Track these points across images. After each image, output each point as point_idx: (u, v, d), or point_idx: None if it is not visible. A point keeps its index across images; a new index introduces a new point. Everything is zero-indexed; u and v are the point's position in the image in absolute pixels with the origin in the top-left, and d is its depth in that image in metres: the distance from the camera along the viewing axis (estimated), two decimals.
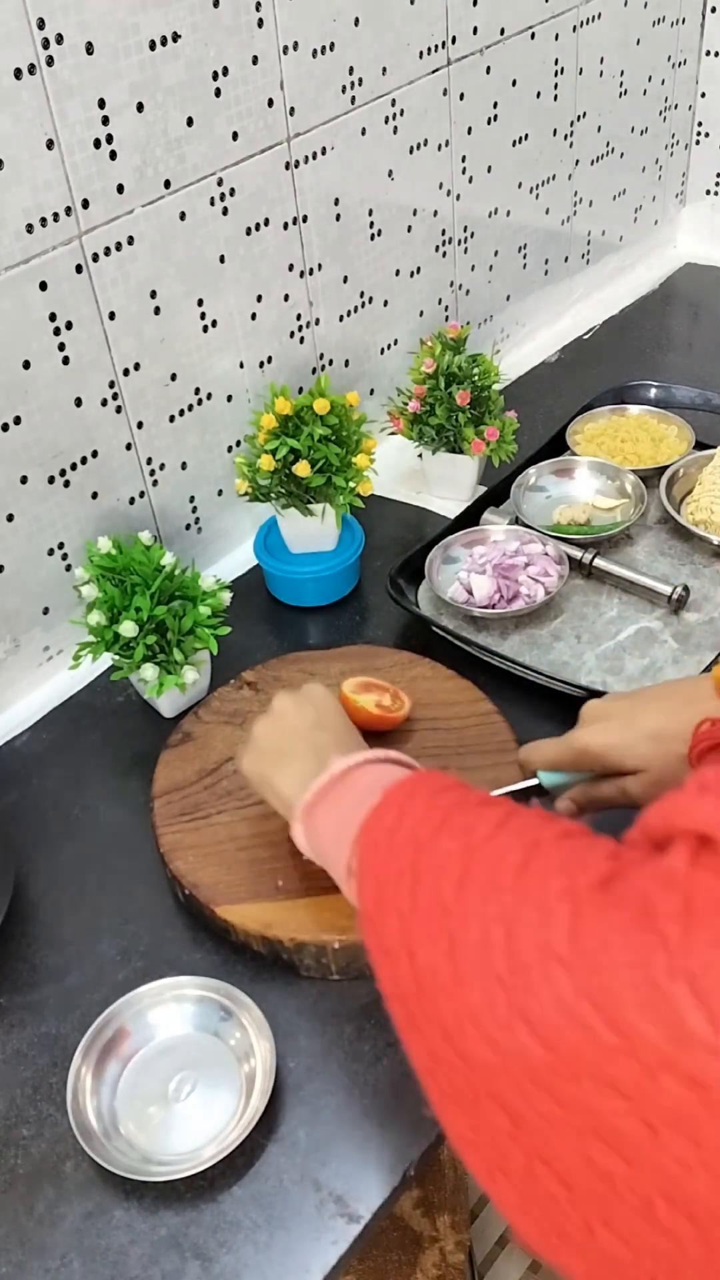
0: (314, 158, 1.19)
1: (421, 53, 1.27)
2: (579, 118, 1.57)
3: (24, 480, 1.05)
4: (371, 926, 0.59)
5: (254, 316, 1.20)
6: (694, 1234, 0.46)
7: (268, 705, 0.84)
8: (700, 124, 1.82)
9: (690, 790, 0.49)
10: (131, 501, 1.16)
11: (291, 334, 1.27)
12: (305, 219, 1.21)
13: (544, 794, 0.82)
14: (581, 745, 0.79)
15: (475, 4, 1.31)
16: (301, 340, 1.28)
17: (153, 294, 1.08)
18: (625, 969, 0.46)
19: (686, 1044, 0.43)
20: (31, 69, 0.91)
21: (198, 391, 1.18)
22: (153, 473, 1.17)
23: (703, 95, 1.79)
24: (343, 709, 0.83)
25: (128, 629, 0.99)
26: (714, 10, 1.70)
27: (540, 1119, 0.49)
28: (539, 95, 1.47)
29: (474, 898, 0.54)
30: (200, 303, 1.14)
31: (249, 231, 1.15)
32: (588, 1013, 0.46)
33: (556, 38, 1.46)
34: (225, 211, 1.12)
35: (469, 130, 1.39)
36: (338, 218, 1.25)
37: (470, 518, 1.25)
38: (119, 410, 1.10)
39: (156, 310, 1.09)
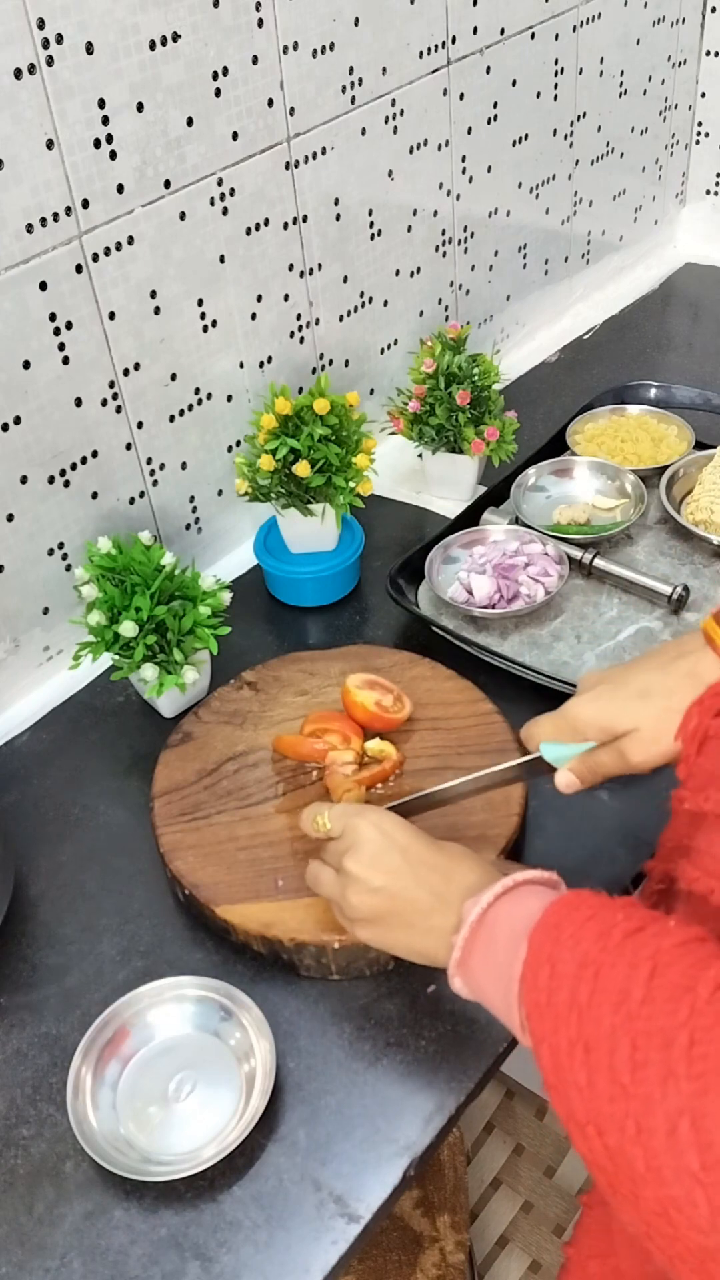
0: (314, 158, 1.19)
1: (421, 53, 1.27)
2: (579, 118, 1.57)
3: (24, 480, 1.05)
4: (556, 1096, 0.58)
5: (254, 316, 1.21)
6: None
7: (341, 868, 0.77)
8: (700, 124, 1.82)
9: None
10: (131, 501, 1.16)
11: (291, 334, 1.27)
12: (305, 219, 1.21)
13: (547, 767, 0.83)
14: (575, 713, 0.80)
15: (475, 4, 1.31)
16: (301, 340, 1.28)
17: (153, 294, 1.08)
18: None
19: None
20: (31, 69, 0.91)
21: (198, 391, 1.18)
22: (153, 473, 1.17)
23: (703, 95, 1.79)
24: (402, 824, 0.78)
25: (128, 629, 0.99)
26: (714, 10, 1.70)
27: None
28: (539, 95, 1.47)
29: (651, 1081, 0.52)
30: (200, 303, 1.14)
31: (249, 231, 1.16)
32: None
33: (556, 38, 1.46)
34: (225, 211, 1.12)
35: (469, 130, 1.39)
36: (338, 218, 1.25)
37: (470, 518, 1.25)
38: (119, 410, 1.10)
39: (156, 310, 1.09)
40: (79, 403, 1.06)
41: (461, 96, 1.35)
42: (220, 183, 1.10)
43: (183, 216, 1.08)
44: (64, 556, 1.12)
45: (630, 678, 0.79)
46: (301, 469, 1.11)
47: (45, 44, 0.91)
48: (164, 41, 0.99)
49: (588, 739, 0.79)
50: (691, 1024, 0.52)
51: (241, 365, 1.22)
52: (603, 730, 0.78)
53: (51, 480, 1.07)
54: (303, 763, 0.98)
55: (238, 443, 1.25)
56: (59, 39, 0.91)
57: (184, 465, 1.20)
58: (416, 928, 0.73)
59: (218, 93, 1.06)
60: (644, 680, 0.78)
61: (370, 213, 1.30)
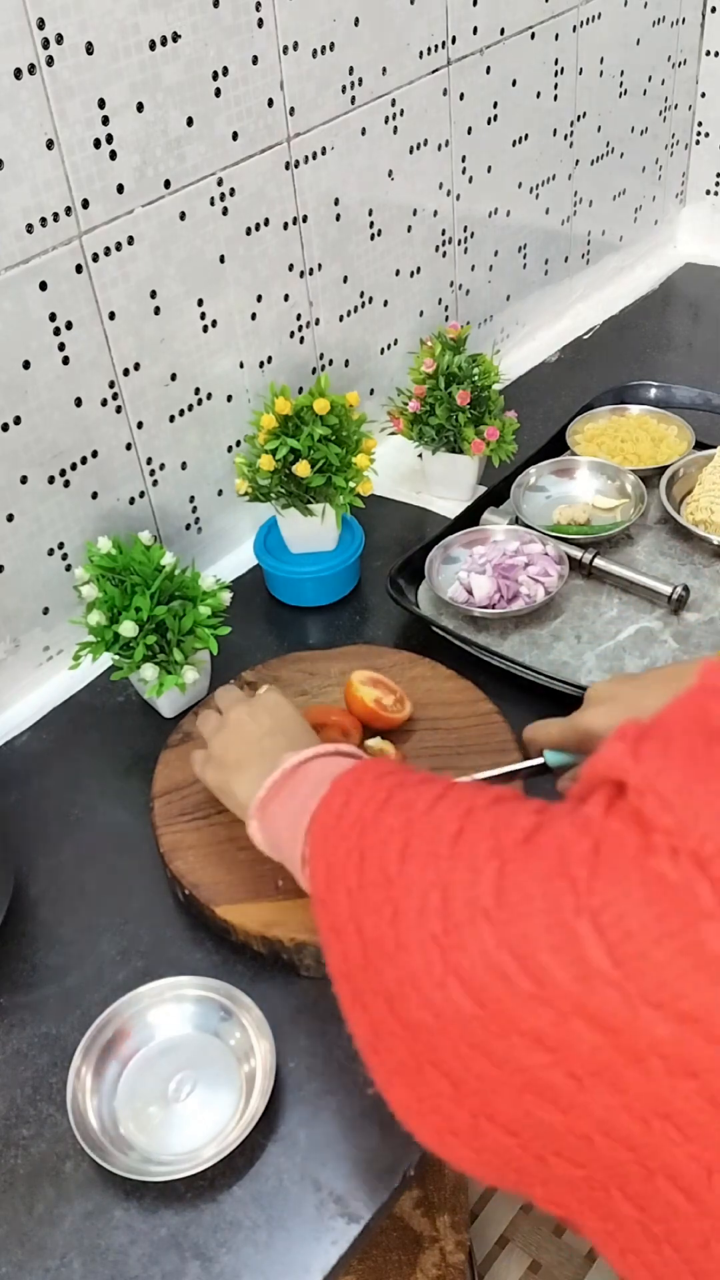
0: (314, 158, 1.19)
1: (421, 53, 1.27)
2: (579, 118, 1.57)
3: (24, 480, 1.05)
4: (323, 908, 0.62)
5: (254, 316, 1.21)
6: (634, 1159, 0.48)
7: (226, 713, 0.86)
8: (700, 124, 1.82)
9: (611, 741, 0.51)
10: (131, 501, 1.16)
11: (291, 334, 1.27)
12: (305, 219, 1.21)
13: (548, 772, 0.82)
14: (586, 726, 0.79)
15: (475, 4, 1.31)
16: (301, 340, 1.28)
17: (153, 294, 1.08)
18: (540, 915, 0.47)
19: (590, 981, 0.45)
20: (31, 69, 0.91)
21: (198, 391, 1.18)
22: (153, 473, 1.17)
23: (703, 95, 1.79)
24: (299, 714, 0.85)
25: (128, 629, 0.99)
26: (714, 10, 1.70)
27: (478, 1080, 0.51)
28: (539, 95, 1.47)
29: (415, 867, 0.56)
30: (200, 303, 1.14)
31: (249, 231, 1.15)
32: (508, 962, 0.48)
33: (556, 38, 1.46)
34: (225, 211, 1.12)
35: (469, 130, 1.39)
36: (338, 218, 1.25)
37: (470, 518, 1.25)
38: (119, 410, 1.10)
39: (156, 310, 1.09)
40: (79, 403, 1.06)
41: (461, 96, 1.35)
42: (220, 183, 1.10)
43: (183, 216, 1.08)
44: (64, 556, 1.12)
45: (644, 700, 0.77)
46: (301, 469, 1.11)
47: (45, 44, 0.91)
48: (164, 41, 0.99)
49: (593, 749, 0.79)
50: (465, 821, 0.56)
51: (241, 365, 1.22)
52: None
53: (51, 480, 1.07)
54: None
55: (238, 443, 1.25)
56: (59, 39, 0.91)
57: (184, 465, 1.20)
58: (241, 774, 0.79)
59: (218, 93, 1.06)
60: (659, 702, 0.76)
61: (370, 213, 1.30)
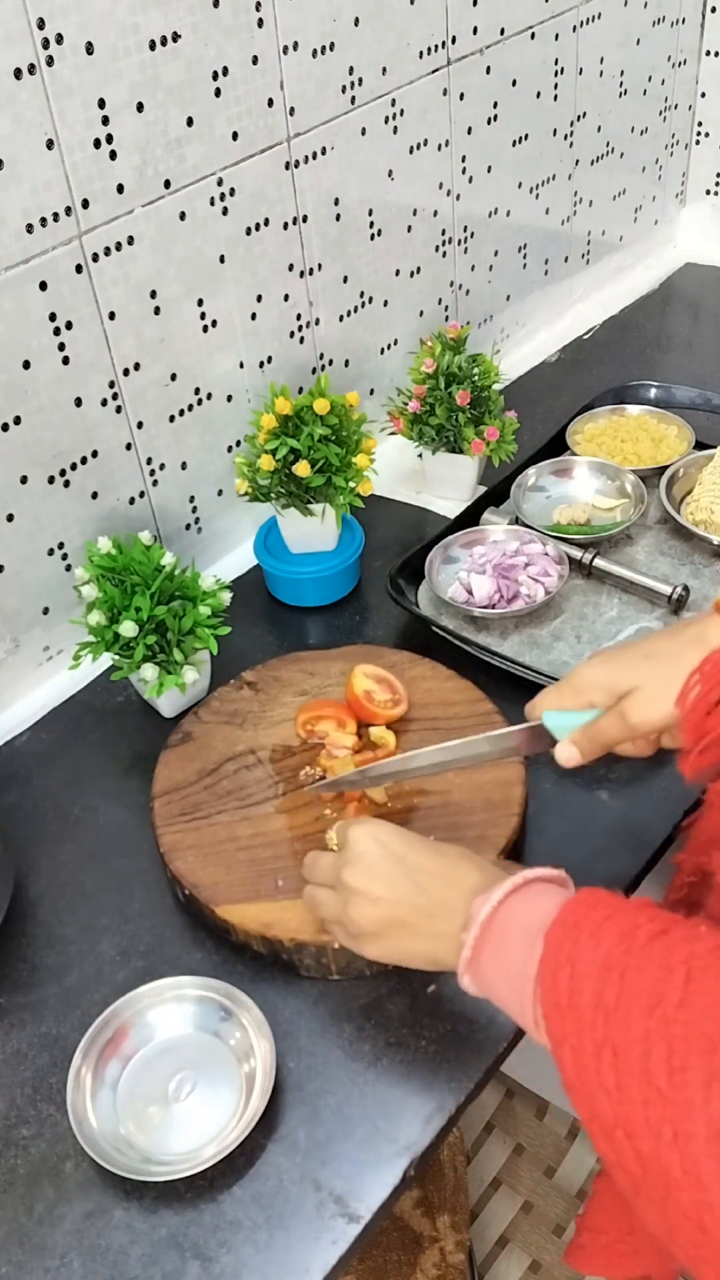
0: (314, 158, 1.19)
1: (421, 53, 1.27)
2: (579, 118, 1.57)
3: (24, 480, 1.05)
4: (578, 1098, 0.58)
5: (254, 316, 1.21)
6: None
7: (343, 886, 0.76)
8: (700, 124, 1.82)
9: None
10: (131, 501, 1.16)
11: (291, 334, 1.27)
12: (305, 219, 1.21)
13: (548, 742, 0.82)
14: (579, 673, 0.80)
15: (475, 4, 1.31)
16: (301, 340, 1.28)
17: (153, 294, 1.08)
18: None
19: None
20: (31, 69, 0.91)
21: (198, 391, 1.18)
22: (153, 473, 1.17)
23: (703, 95, 1.79)
24: (399, 833, 0.77)
25: (128, 629, 0.99)
26: (714, 10, 1.70)
27: None
28: (539, 95, 1.47)
29: (691, 1086, 0.52)
30: (200, 303, 1.14)
31: (249, 231, 1.16)
32: None
33: (556, 38, 1.46)
34: (225, 211, 1.12)
35: (469, 130, 1.39)
36: (338, 218, 1.25)
37: (470, 518, 1.25)
38: (119, 410, 1.10)
39: (156, 310, 1.09)
40: (79, 403, 1.06)
41: (461, 96, 1.35)
42: (220, 183, 1.10)
43: (183, 216, 1.08)
44: (64, 556, 1.12)
45: (638, 643, 0.80)
46: (301, 469, 1.11)
47: (45, 44, 0.91)
48: (164, 41, 0.99)
49: (591, 701, 0.79)
50: None
51: (241, 365, 1.22)
52: (606, 690, 0.78)
53: (51, 480, 1.07)
54: (303, 763, 0.98)
55: (238, 443, 1.25)
56: (59, 39, 0.91)
57: (184, 465, 1.20)
58: (422, 934, 0.72)
59: (218, 93, 1.06)
60: (650, 645, 0.79)
61: (370, 213, 1.30)
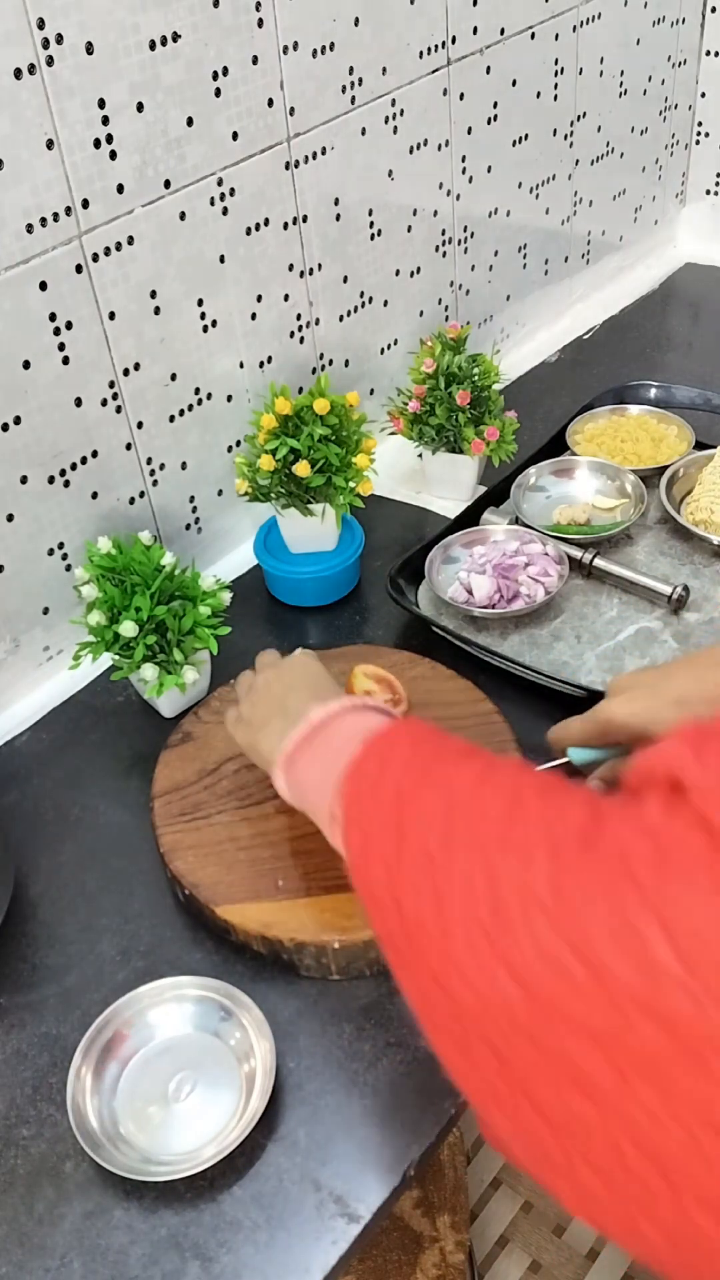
0: (314, 158, 1.19)
1: (421, 53, 1.27)
2: (579, 118, 1.57)
3: (24, 480, 1.05)
4: (358, 874, 0.61)
5: (254, 316, 1.21)
6: (663, 1185, 0.46)
7: (257, 676, 0.87)
8: (700, 124, 1.82)
9: (670, 740, 0.51)
10: (131, 501, 1.16)
11: (291, 334, 1.27)
12: (305, 219, 1.21)
13: (575, 773, 0.82)
14: (607, 715, 0.79)
15: (475, 4, 1.31)
16: (301, 340, 1.28)
17: (153, 294, 1.08)
18: (602, 913, 0.47)
19: (656, 979, 0.44)
20: (31, 69, 0.91)
21: (198, 391, 1.18)
22: (153, 473, 1.17)
23: (703, 95, 1.79)
24: (325, 672, 0.86)
25: (128, 629, 0.99)
26: (714, 10, 1.70)
27: (522, 1061, 0.51)
28: (539, 95, 1.47)
29: (459, 850, 0.55)
30: (200, 303, 1.14)
31: (249, 231, 1.16)
32: (565, 956, 0.47)
33: (556, 38, 1.46)
34: (225, 211, 1.12)
35: (469, 130, 1.39)
36: (338, 218, 1.25)
37: (470, 518, 1.25)
38: (119, 410, 1.10)
39: (156, 310, 1.09)
40: (79, 403, 1.06)
41: (461, 96, 1.35)
42: (220, 183, 1.10)
43: (183, 216, 1.08)
44: (64, 556, 1.12)
45: (667, 684, 0.78)
46: (301, 469, 1.11)
47: (45, 44, 0.91)
48: (164, 41, 0.99)
49: (618, 743, 0.79)
50: (513, 808, 0.55)
51: (241, 365, 1.22)
52: (634, 735, 0.78)
53: (51, 480, 1.07)
54: None
55: (238, 443, 1.25)
56: (59, 39, 0.91)
57: (184, 465, 1.20)
58: (268, 728, 0.79)
59: (218, 93, 1.06)
60: (681, 688, 0.77)
61: (370, 213, 1.30)
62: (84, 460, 1.09)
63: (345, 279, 1.30)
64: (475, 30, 1.33)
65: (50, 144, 0.94)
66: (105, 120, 0.97)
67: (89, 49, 0.94)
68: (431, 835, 0.57)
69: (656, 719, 0.76)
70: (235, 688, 0.91)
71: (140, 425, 1.13)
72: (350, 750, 0.67)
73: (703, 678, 0.77)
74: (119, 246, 1.03)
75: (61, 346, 1.02)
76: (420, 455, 1.34)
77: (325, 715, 0.73)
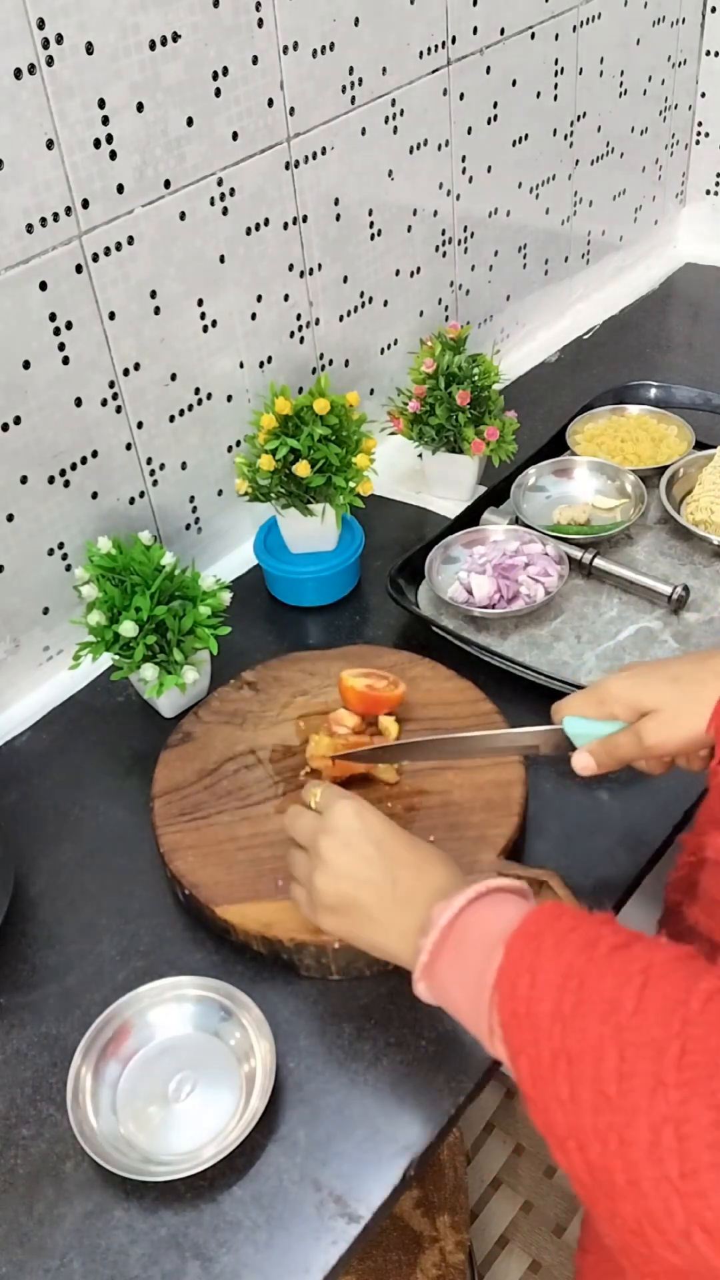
0: (314, 158, 1.19)
1: (421, 53, 1.27)
2: (579, 118, 1.57)
3: (24, 480, 1.05)
4: (534, 1108, 0.57)
5: (254, 316, 1.21)
6: None
7: (316, 852, 0.76)
8: (700, 124, 1.82)
9: None
10: (131, 501, 1.16)
11: (291, 334, 1.27)
12: (305, 219, 1.21)
13: (566, 747, 0.83)
14: (606, 685, 0.81)
15: (475, 4, 1.31)
16: (301, 340, 1.28)
17: (153, 294, 1.08)
18: None
19: None
20: (31, 69, 0.91)
21: (198, 391, 1.18)
22: (153, 473, 1.17)
23: (703, 95, 1.79)
24: (385, 822, 0.77)
25: (128, 629, 0.99)
26: (714, 10, 1.70)
27: None
28: (539, 95, 1.47)
29: (638, 1092, 0.51)
30: (200, 303, 1.14)
31: (249, 231, 1.16)
32: None
33: (556, 38, 1.46)
34: (225, 211, 1.12)
35: (469, 130, 1.39)
36: (338, 218, 1.25)
37: (470, 518, 1.25)
38: (119, 410, 1.10)
39: (156, 310, 1.09)
40: (79, 403, 1.06)
41: (461, 96, 1.35)
42: (220, 183, 1.10)
43: (183, 216, 1.08)
44: (64, 556, 1.12)
45: (666, 665, 0.80)
46: (301, 469, 1.11)
47: (45, 44, 0.91)
48: (164, 41, 0.99)
49: (613, 714, 0.80)
50: (684, 1034, 0.51)
51: (241, 365, 1.22)
52: (628, 706, 0.79)
53: (51, 480, 1.07)
54: (303, 763, 0.98)
55: (238, 443, 1.25)
56: (59, 39, 0.91)
57: (184, 465, 1.20)
58: (380, 924, 0.73)
59: (218, 93, 1.06)
60: (677, 668, 0.79)
61: (370, 213, 1.30)
62: (84, 460, 1.09)
63: (345, 279, 1.30)
64: (475, 30, 1.33)
65: (50, 144, 0.94)
66: (105, 120, 0.97)
67: (89, 49, 0.94)
68: (605, 1072, 0.53)
69: (650, 691, 0.78)
70: (292, 865, 0.80)
71: (140, 425, 1.13)
72: (494, 959, 0.62)
73: (700, 661, 0.79)
74: (119, 246, 1.03)
75: (61, 346, 1.02)
76: (420, 455, 1.34)
77: (452, 915, 0.67)
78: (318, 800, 0.80)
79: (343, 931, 0.76)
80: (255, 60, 1.08)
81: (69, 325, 1.02)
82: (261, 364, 1.24)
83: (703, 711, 0.75)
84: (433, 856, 0.75)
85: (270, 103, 1.12)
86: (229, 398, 1.22)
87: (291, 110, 1.14)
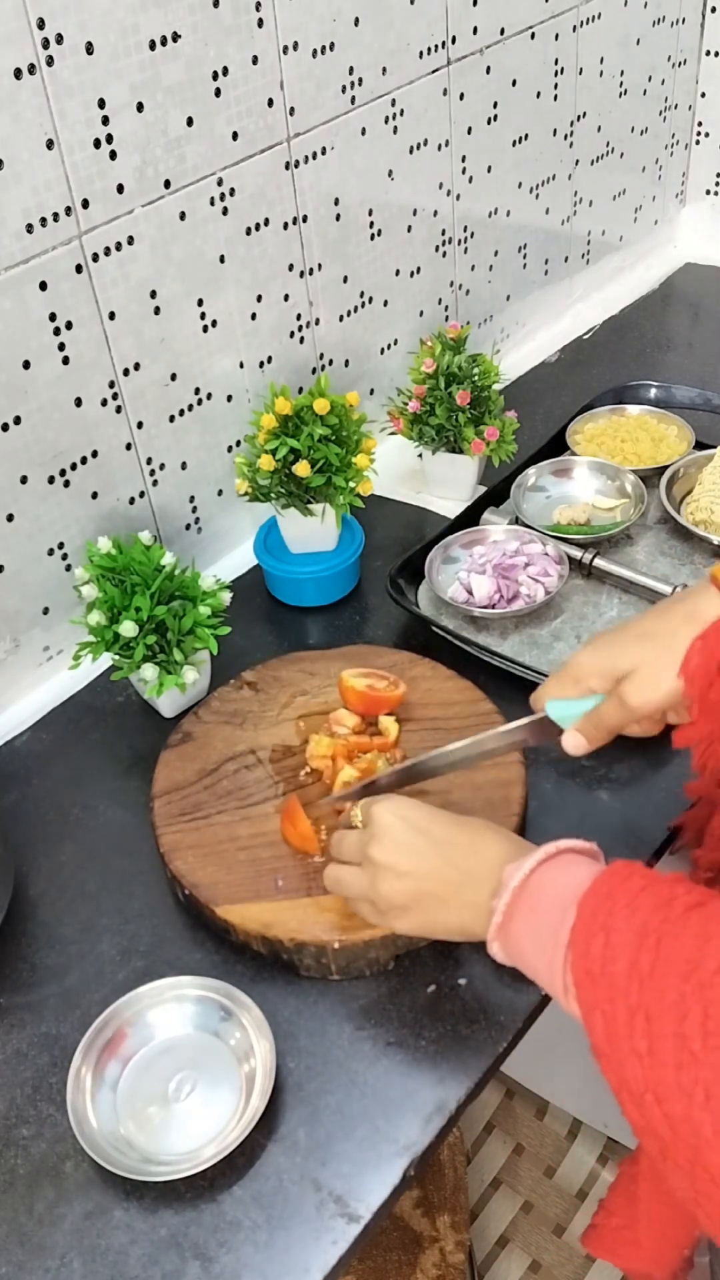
0: (314, 158, 1.19)
1: (421, 53, 1.27)
2: (579, 118, 1.57)
3: (24, 480, 1.05)
4: (608, 1064, 0.58)
5: (254, 316, 1.21)
6: None
7: (370, 862, 0.76)
8: (700, 124, 1.82)
9: None
10: (131, 501, 1.16)
11: (291, 334, 1.27)
12: (305, 219, 1.21)
13: (554, 733, 0.82)
14: (575, 660, 0.80)
15: (475, 4, 1.31)
16: (301, 340, 1.28)
17: (153, 294, 1.08)
18: None
19: None
20: (31, 69, 0.91)
21: (198, 391, 1.18)
22: (153, 473, 1.17)
23: (703, 95, 1.79)
24: (421, 807, 0.78)
25: (128, 629, 0.99)
26: (714, 10, 1.70)
27: None
28: (539, 95, 1.47)
29: None
30: (200, 303, 1.14)
31: (249, 231, 1.16)
32: None
33: (556, 38, 1.46)
34: (225, 211, 1.12)
35: (469, 130, 1.39)
36: (338, 218, 1.25)
37: (470, 518, 1.25)
38: (119, 410, 1.10)
39: (156, 310, 1.09)
40: (79, 403, 1.06)
41: (461, 96, 1.35)
42: (220, 183, 1.10)
43: (183, 216, 1.08)
44: (64, 556, 1.12)
45: (631, 625, 0.80)
46: (301, 469, 1.11)
47: (45, 44, 0.91)
48: (164, 41, 0.99)
49: (591, 688, 0.79)
50: None
51: (241, 365, 1.22)
52: (603, 674, 0.78)
53: (51, 480, 1.07)
54: (303, 763, 0.98)
55: (238, 443, 1.25)
56: (59, 39, 0.91)
57: (184, 465, 1.20)
58: (451, 905, 0.74)
59: (218, 93, 1.06)
60: (643, 625, 0.79)
61: (370, 213, 1.30)
62: (84, 460, 1.09)
63: (345, 279, 1.30)
64: (475, 30, 1.33)
65: (50, 144, 0.94)
66: (105, 120, 0.97)
67: (89, 49, 0.94)
68: (690, 1028, 0.54)
69: (622, 653, 0.77)
70: (341, 886, 0.80)
71: (140, 425, 1.13)
72: (567, 919, 0.63)
73: (665, 612, 0.78)
74: (119, 246, 1.03)
75: (61, 346, 1.02)
76: (420, 455, 1.34)
77: (524, 875, 0.68)
78: (359, 818, 0.81)
79: (418, 927, 0.77)
80: (255, 60, 1.08)
81: (69, 325, 1.02)
82: (261, 364, 1.24)
83: (679, 660, 0.74)
84: (483, 829, 0.76)
85: (270, 103, 1.12)
86: (229, 398, 1.22)
87: (291, 110, 1.14)
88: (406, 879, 0.75)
